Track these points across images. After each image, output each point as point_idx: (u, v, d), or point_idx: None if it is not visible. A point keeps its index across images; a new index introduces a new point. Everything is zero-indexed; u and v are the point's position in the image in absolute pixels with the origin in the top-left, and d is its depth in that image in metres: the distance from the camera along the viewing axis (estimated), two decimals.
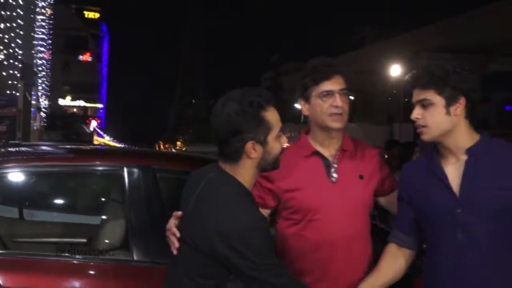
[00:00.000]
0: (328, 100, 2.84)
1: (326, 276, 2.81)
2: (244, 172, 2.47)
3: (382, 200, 3.11)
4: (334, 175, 2.88)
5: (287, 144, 2.59)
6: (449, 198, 2.63)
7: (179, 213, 2.52)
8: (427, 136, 2.67)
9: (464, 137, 2.67)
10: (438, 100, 2.62)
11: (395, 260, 2.85)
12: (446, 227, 2.62)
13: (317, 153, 2.91)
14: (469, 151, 2.66)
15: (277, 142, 2.47)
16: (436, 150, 2.75)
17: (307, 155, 2.91)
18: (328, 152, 2.92)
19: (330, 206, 2.82)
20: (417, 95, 2.68)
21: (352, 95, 2.95)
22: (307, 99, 2.92)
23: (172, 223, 2.54)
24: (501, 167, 2.63)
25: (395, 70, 35.62)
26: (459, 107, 2.63)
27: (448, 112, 2.62)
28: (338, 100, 2.83)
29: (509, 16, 29.57)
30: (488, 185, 2.59)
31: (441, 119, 2.63)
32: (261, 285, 2.35)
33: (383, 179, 3.03)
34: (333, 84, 2.86)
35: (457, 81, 2.65)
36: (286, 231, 2.92)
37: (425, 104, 2.65)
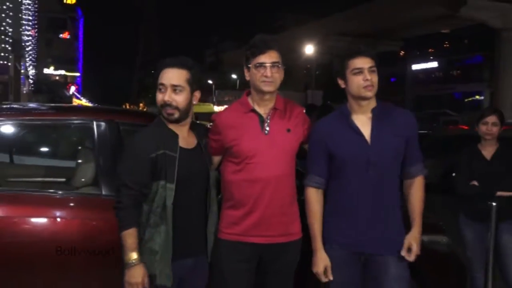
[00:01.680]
0: (261, 70, 2.82)
1: (257, 207, 2.81)
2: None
3: (307, 146, 3.11)
4: (267, 128, 2.86)
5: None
6: (363, 144, 2.76)
7: None
8: (372, 93, 2.78)
9: (373, 100, 2.84)
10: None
11: (320, 205, 2.89)
12: (359, 165, 2.75)
13: (254, 111, 2.89)
14: (374, 110, 2.82)
15: (159, 93, 2.70)
16: (346, 110, 2.86)
17: (246, 111, 2.89)
18: (262, 110, 2.89)
19: (262, 152, 2.82)
20: (366, 63, 2.76)
21: (283, 67, 2.89)
22: (248, 68, 2.90)
23: None
24: (394, 121, 2.81)
25: (309, 49, 35.82)
26: None
27: None
28: (267, 71, 2.81)
29: (391, 10, 30.17)
30: (389, 134, 2.77)
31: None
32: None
33: (306, 130, 3.01)
34: (266, 58, 2.82)
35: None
36: (227, 171, 2.90)
37: (374, 70, 2.76)
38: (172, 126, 2.73)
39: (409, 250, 2.78)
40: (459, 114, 30.51)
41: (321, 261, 2.82)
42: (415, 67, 49.29)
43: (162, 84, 2.67)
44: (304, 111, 3.13)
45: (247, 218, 2.82)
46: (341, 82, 2.86)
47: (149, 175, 2.60)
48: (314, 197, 2.88)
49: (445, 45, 50.10)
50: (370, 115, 2.80)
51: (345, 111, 2.85)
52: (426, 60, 49.12)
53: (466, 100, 43.11)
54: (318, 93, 33.99)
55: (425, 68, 48.70)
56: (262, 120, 2.88)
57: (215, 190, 2.87)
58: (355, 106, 2.83)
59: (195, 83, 2.74)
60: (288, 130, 2.89)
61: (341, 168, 2.80)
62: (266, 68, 2.82)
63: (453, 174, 4.27)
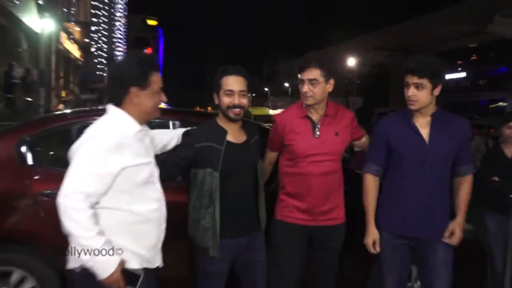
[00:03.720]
0: (302, 86, 2.82)
1: (307, 196, 2.83)
2: None
3: (356, 143, 3.14)
4: (318, 132, 2.84)
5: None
6: (422, 144, 2.71)
7: None
8: (415, 107, 2.71)
9: (432, 107, 2.76)
10: (428, 85, 2.65)
11: (376, 190, 2.87)
12: (417, 162, 2.71)
13: (307, 117, 2.88)
14: (433, 116, 2.76)
15: (225, 97, 2.71)
16: (410, 113, 2.78)
17: (301, 116, 2.88)
18: (315, 116, 2.87)
19: (313, 153, 2.81)
20: (414, 79, 2.66)
21: (326, 81, 2.81)
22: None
23: None
24: (451, 125, 2.75)
25: (351, 62, 35.29)
26: (438, 90, 2.69)
27: (431, 93, 2.67)
28: (304, 87, 2.79)
29: (424, 27, 29.22)
30: (444, 136, 2.72)
31: (427, 97, 2.67)
32: None
33: (353, 131, 3.00)
34: (305, 75, 2.80)
35: (440, 74, 2.68)
36: (283, 164, 2.94)
37: (419, 87, 2.66)
38: (224, 124, 2.73)
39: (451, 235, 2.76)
40: (484, 118, 29.14)
41: (371, 235, 2.82)
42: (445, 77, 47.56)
43: (231, 90, 2.68)
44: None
45: (298, 204, 2.83)
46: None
47: (184, 157, 2.64)
48: (372, 182, 2.86)
49: (472, 58, 47.96)
50: (429, 119, 2.75)
51: (407, 113, 2.79)
52: (455, 71, 47.26)
53: (490, 106, 41.12)
54: (358, 99, 33.58)
55: (454, 78, 46.87)
56: (314, 125, 2.85)
57: (263, 180, 2.85)
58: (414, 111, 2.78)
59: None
60: (336, 134, 2.86)
61: (400, 162, 2.76)
62: (304, 85, 2.80)
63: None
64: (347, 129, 2.93)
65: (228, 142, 2.69)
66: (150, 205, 2.16)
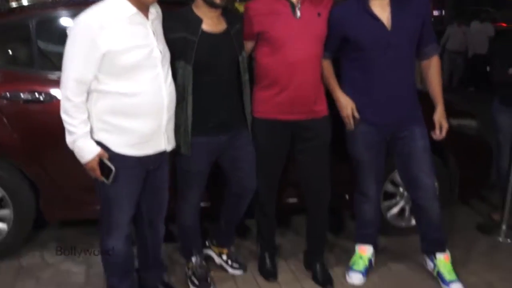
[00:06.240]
0: None
1: (288, 87, 2.81)
2: None
3: None
4: (298, 13, 2.77)
5: None
6: (383, 30, 2.71)
7: None
8: None
9: None
10: None
11: (331, 69, 2.92)
12: (380, 49, 2.72)
13: None
14: None
15: None
16: None
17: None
18: None
19: (294, 36, 2.75)
20: None
21: None
22: None
23: None
24: (408, 3, 2.76)
25: None
26: None
27: None
28: None
29: None
30: (406, 16, 2.72)
31: None
32: None
33: None
34: None
35: None
36: (261, 55, 2.86)
37: None
38: (201, 12, 2.62)
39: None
40: (498, 11, 28.50)
41: (348, 104, 2.88)
42: None
43: None
44: None
45: (277, 97, 2.82)
46: None
47: None
48: (327, 65, 2.91)
49: None
50: (387, 0, 2.72)
51: None
52: None
53: None
54: None
55: None
56: (293, 6, 2.78)
57: (247, 74, 2.81)
58: None
59: None
60: (319, 14, 2.80)
61: (360, 52, 2.77)
62: None
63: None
64: (328, 11, 2.86)
65: (204, 32, 2.60)
66: (141, 87, 2.31)
